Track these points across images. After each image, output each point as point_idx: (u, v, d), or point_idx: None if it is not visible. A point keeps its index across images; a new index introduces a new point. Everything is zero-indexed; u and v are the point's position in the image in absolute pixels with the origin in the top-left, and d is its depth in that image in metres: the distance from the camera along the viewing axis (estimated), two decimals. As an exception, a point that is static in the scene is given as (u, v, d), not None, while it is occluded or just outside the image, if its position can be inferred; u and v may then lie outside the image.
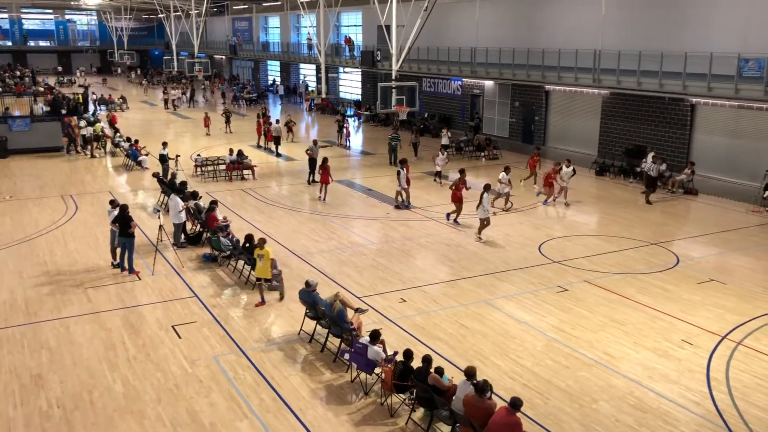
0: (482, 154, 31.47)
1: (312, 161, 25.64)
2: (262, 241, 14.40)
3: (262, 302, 14.31)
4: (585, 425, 9.99)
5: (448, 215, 20.73)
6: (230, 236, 16.82)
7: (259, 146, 33.86)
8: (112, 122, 36.88)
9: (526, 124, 34.92)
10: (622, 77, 26.40)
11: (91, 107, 45.48)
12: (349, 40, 48.56)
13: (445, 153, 26.78)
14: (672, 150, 26.99)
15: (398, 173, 21.82)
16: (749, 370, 11.54)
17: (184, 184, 20.97)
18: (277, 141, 32.30)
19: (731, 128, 25.24)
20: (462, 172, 20.62)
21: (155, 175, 23.62)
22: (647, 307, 14.21)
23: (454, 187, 20.25)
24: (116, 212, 15.98)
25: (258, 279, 14.39)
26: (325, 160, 23.25)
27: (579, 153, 31.37)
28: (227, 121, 38.89)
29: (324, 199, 23.19)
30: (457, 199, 20.11)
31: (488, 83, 36.93)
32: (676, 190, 24.29)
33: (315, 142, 27.01)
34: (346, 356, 11.19)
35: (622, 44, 27.18)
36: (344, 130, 35.05)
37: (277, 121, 33.79)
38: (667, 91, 25.13)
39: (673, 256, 17.47)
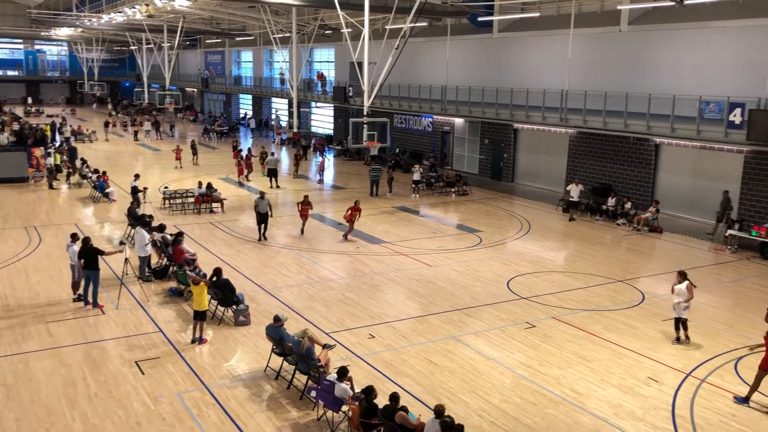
0: (452, 189, 31.74)
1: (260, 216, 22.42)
2: (196, 281, 14.12)
3: (200, 340, 13.91)
4: (552, 463, 9.96)
5: None
6: (197, 270, 16.61)
7: (240, 183, 33.47)
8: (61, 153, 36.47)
9: (495, 161, 35.43)
10: (589, 117, 26.99)
11: (58, 138, 44.88)
12: (321, 76, 48.99)
13: None
14: (637, 188, 27.56)
15: None
16: (713, 407, 11.65)
17: (149, 216, 20.68)
18: (272, 173, 32.53)
19: (694, 168, 25.91)
20: None
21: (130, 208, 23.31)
22: (613, 343, 14.31)
23: None
24: (76, 246, 15.72)
25: (195, 315, 13.95)
26: (306, 197, 23.34)
27: (546, 190, 31.88)
28: (194, 153, 39.20)
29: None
30: None
31: (458, 120, 37.48)
32: (641, 228, 24.71)
33: (262, 194, 22.66)
34: (313, 393, 11.04)
35: (588, 85, 27.89)
36: (318, 161, 36.09)
37: (272, 154, 33.79)
38: (631, 131, 25.75)
39: (638, 293, 17.69)
